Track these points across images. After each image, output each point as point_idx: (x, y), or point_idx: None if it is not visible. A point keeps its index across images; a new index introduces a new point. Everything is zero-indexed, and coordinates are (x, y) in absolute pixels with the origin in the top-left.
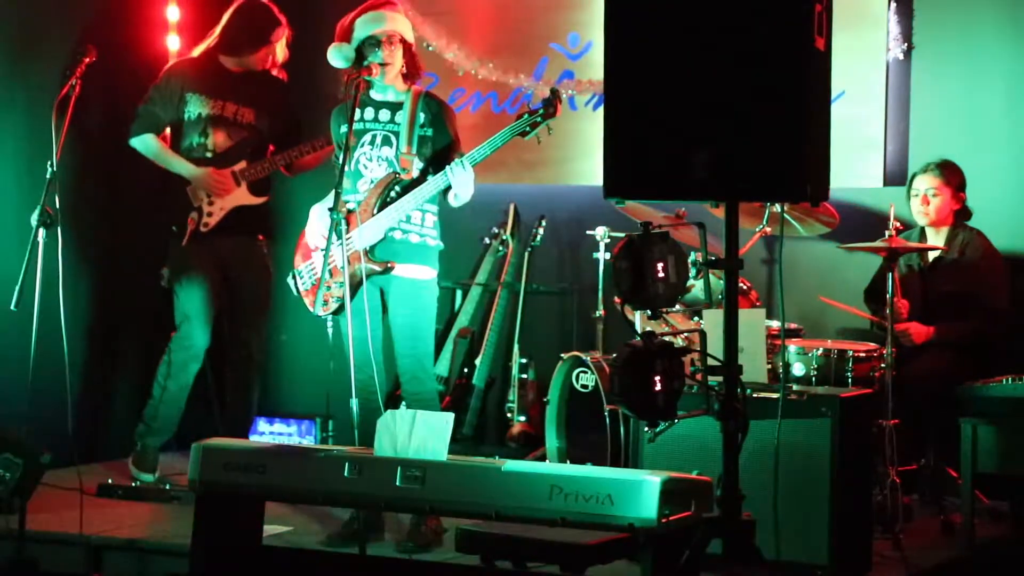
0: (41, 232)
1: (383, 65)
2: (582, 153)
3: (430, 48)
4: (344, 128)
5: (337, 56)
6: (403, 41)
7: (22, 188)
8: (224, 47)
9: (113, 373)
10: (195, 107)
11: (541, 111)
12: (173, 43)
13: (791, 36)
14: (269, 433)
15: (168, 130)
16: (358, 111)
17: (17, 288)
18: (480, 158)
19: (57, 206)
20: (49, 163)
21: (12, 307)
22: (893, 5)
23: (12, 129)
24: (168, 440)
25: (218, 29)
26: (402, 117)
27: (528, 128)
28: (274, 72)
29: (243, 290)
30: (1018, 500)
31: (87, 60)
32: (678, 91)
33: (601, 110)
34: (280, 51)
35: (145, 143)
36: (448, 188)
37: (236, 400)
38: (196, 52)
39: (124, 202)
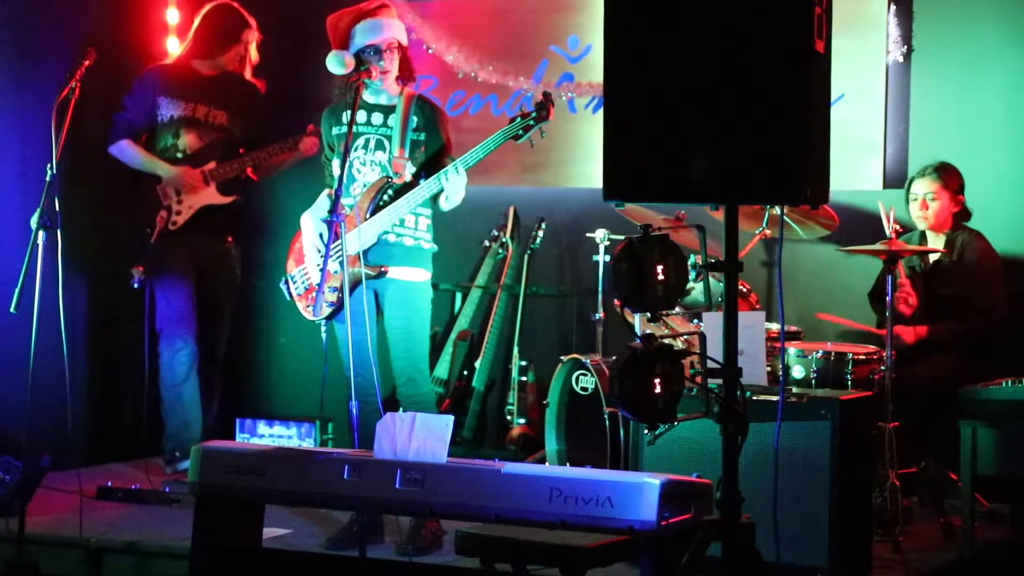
0: (41, 235)
1: (383, 73)
2: (581, 156)
3: (430, 50)
4: (335, 130)
5: (336, 63)
6: (399, 46)
7: (22, 191)
8: (197, 51)
9: (113, 376)
10: (167, 110)
11: (534, 114)
12: (173, 46)
13: (791, 39)
14: (269, 436)
15: (145, 136)
16: (350, 114)
17: (17, 291)
18: (473, 162)
19: (57, 209)
20: (49, 166)
21: (12, 310)
22: (893, 8)
23: (12, 132)
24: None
25: (191, 34)
26: (394, 121)
27: (521, 131)
28: (247, 75)
29: (213, 292)
30: (1018, 503)
31: (87, 63)
32: (678, 93)
33: (601, 113)
34: (252, 53)
35: (121, 148)
36: (439, 192)
37: (208, 401)
38: (171, 58)
39: (123, 204)
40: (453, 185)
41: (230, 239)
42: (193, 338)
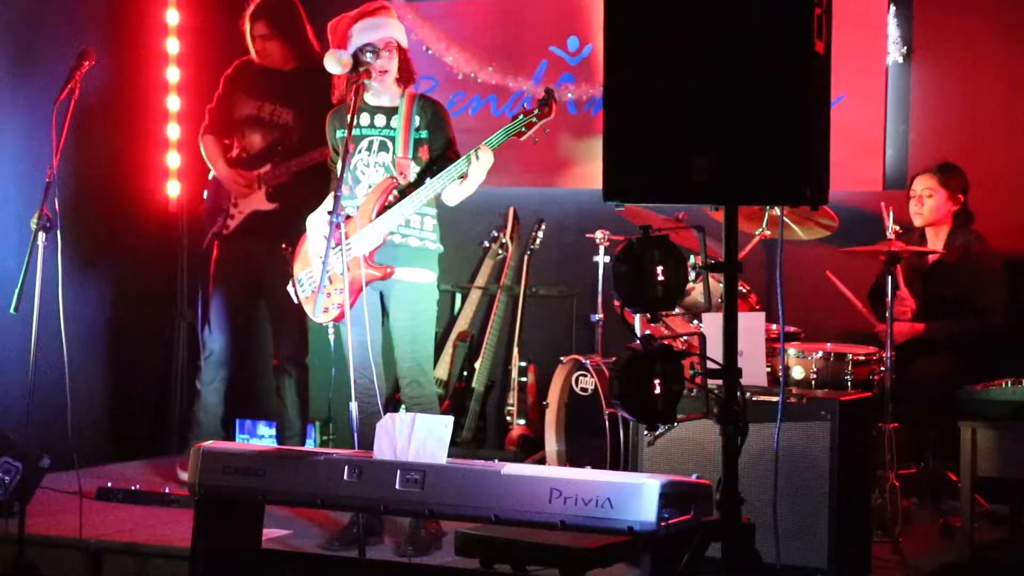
0: (40, 235)
1: (382, 72)
2: (581, 157)
3: (430, 52)
4: (340, 133)
5: (334, 62)
6: (398, 47)
7: (21, 191)
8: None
9: (113, 376)
10: (240, 108)
11: (536, 111)
12: (172, 47)
13: (791, 39)
14: (268, 436)
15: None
16: (350, 115)
17: (16, 292)
18: (497, 143)
19: (56, 209)
20: (48, 166)
21: (12, 311)
22: (893, 8)
23: (12, 132)
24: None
25: None
26: (397, 122)
27: (524, 128)
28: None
29: (273, 299)
30: (1018, 504)
31: (87, 63)
32: (678, 94)
33: (601, 113)
34: (267, 44)
35: (202, 143)
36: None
37: (283, 408)
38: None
39: (123, 205)
40: (481, 165)
41: (285, 245)
42: (219, 351)
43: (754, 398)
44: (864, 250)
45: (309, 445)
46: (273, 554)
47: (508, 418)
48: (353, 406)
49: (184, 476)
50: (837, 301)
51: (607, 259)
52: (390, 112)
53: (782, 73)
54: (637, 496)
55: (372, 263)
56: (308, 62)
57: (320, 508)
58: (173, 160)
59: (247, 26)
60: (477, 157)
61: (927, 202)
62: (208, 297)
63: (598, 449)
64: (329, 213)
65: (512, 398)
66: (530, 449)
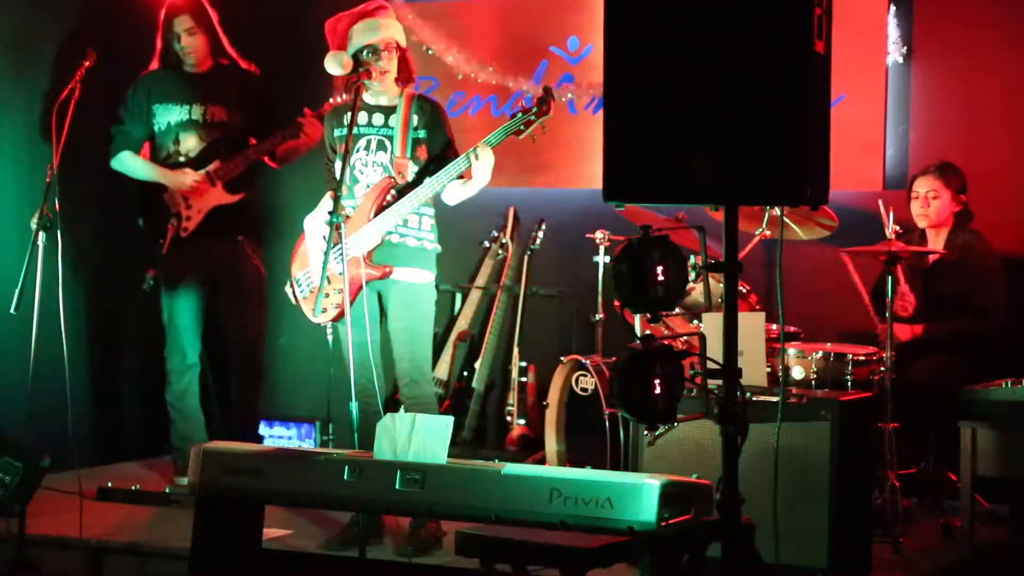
0: (41, 235)
1: (382, 73)
2: (581, 157)
3: (430, 52)
4: (337, 131)
5: (334, 64)
6: (398, 47)
7: (22, 191)
8: (165, 53)
9: (113, 376)
10: (163, 116)
11: (535, 110)
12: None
13: (791, 40)
14: (269, 436)
15: (149, 146)
16: (350, 116)
17: (17, 291)
18: (496, 141)
19: (57, 209)
20: (49, 166)
21: (12, 311)
22: (893, 8)
23: (12, 132)
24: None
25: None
26: (395, 121)
27: (522, 127)
28: (241, 63)
29: (233, 295)
30: (1018, 504)
31: (87, 64)
32: (678, 94)
33: (601, 113)
34: (190, 41)
35: (121, 161)
36: (441, 191)
37: (243, 403)
38: (156, 63)
39: (123, 205)
40: (483, 164)
41: (241, 239)
42: (192, 356)
43: (754, 398)
44: (864, 250)
45: (308, 445)
46: (273, 554)
47: (508, 418)
48: (353, 406)
49: (182, 481)
50: (837, 301)
51: (607, 259)
52: (388, 111)
53: (782, 73)
54: (637, 496)
55: (370, 263)
56: (222, 58)
57: (320, 508)
58: None
59: (164, 23)
60: (476, 156)
61: (933, 204)
62: (170, 303)
63: (598, 449)
64: (329, 213)
65: (512, 398)
66: (530, 449)
